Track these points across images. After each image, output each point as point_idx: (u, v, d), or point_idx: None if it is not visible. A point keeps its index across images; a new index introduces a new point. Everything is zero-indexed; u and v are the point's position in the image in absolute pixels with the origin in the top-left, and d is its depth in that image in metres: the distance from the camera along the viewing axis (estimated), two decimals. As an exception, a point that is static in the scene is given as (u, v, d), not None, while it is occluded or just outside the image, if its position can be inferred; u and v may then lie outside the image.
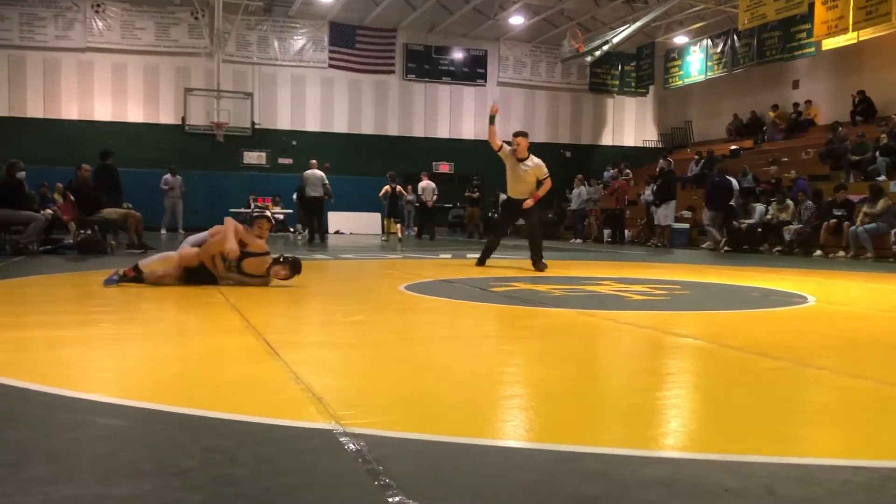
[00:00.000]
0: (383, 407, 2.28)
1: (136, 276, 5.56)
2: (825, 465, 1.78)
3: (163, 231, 18.53)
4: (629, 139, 28.07)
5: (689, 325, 4.44)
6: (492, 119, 8.47)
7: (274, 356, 3.00)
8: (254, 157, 23.71)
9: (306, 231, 17.26)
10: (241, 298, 4.99)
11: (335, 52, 24.22)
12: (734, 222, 14.92)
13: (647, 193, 17.69)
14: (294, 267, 5.72)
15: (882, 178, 14.77)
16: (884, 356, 3.44)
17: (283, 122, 24.10)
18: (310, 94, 24.29)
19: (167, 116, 22.96)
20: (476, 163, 25.24)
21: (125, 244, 11.14)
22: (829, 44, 19.37)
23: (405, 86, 25.33)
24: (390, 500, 1.51)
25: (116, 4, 22.18)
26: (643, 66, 26.62)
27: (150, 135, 22.50)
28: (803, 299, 5.72)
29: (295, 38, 23.89)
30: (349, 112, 24.73)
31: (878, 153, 15.61)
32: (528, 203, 8.27)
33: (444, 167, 25.54)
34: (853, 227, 12.65)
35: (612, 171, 21.49)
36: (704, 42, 23.86)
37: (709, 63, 23.78)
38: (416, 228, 20.89)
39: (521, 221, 9.38)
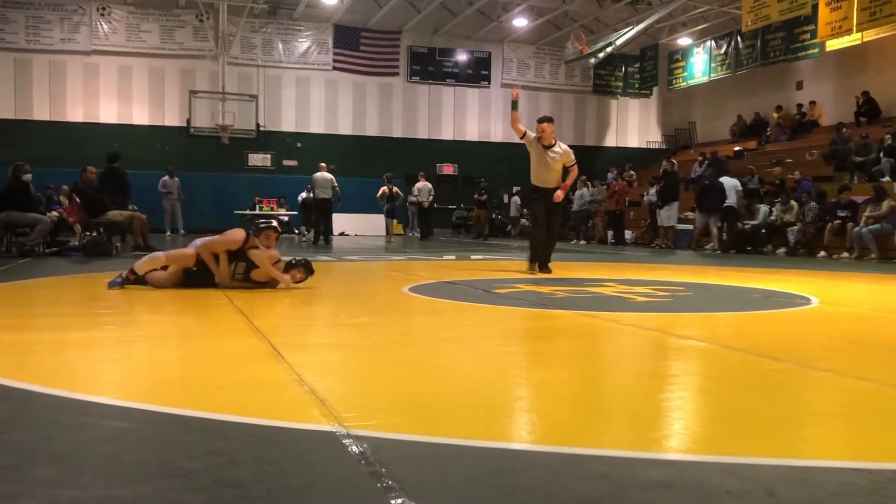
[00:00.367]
0: (386, 409, 2.29)
1: (138, 279, 5.58)
2: (827, 468, 1.78)
3: (168, 233, 18.58)
4: (633, 140, 28.05)
5: (692, 326, 4.44)
6: (514, 105, 8.07)
7: (278, 358, 3.01)
8: (259, 159, 23.76)
9: (311, 233, 17.31)
10: (245, 300, 5.00)
11: (339, 54, 24.26)
12: (738, 223, 14.89)
13: (651, 194, 17.68)
14: (308, 269, 5.81)
15: (886, 179, 14.73)
16: (887, 358, 3.43)
17: (288, 125, 24.15)
18: (314, 97, 24.34)
19: (172, 119, 23.02)
20: (480, 164, 25.33)
21: (131, 246, 11.17)
22: (833, 45, 19.34)
23: (409, 88, 25.36)
24: (393, 502, 1.51)
25: (122, 7, 22.26)
26: (647, 68, 26.62)
27: (155, 137, 22.57)
28: (806, 301, 5.71)
29: (299, 40, 23.94)
30: (353, 114, 24.77)
31: (882, 154, 15.57)
32: (559, 196, 7.80)
33: (448, 169, 25.58)
34: (857, 229, 12.62)
35: (613, 172, 21.47)
36: (708, 43, 23.84)
37: (712, 64, 23.75)
38: (420, 229, 20.97)
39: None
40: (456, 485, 1.64)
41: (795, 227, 13.86)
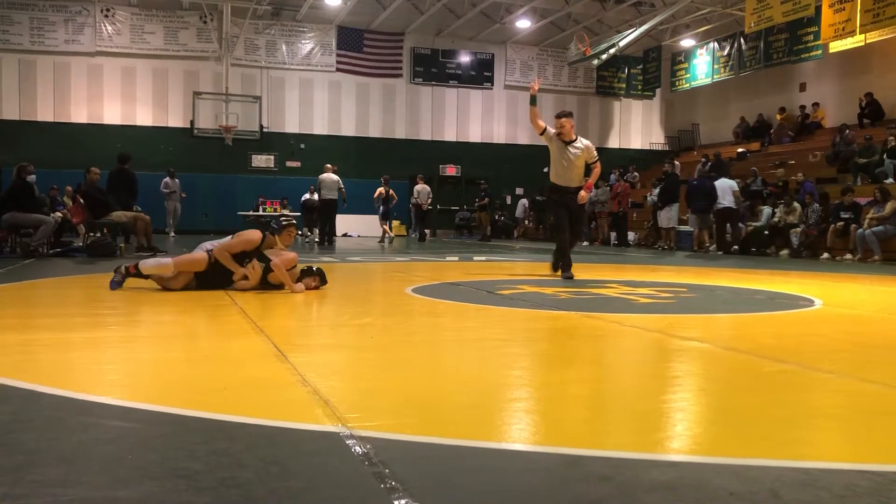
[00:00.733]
0: (390, 410, 2.29)
1: (138, 273, 5.57)
2: (830, 469, 1.78)
3: (172, 234, 18.61)
4: (636, 142, 28.04)
5: (695, 328, 4.43)
6: (533, 99, 7.58)
7: (281, 359, 3.01)
8: (262, 161, 23.80)
9: (314, 233, 17.35)
10: (249, 301, 5.02)
11: (343, 55, 24.30)
12: (740, 224, 14.87)
13: (653, 196, 17.69)
14: (322, 278, 5.93)
15: (889, 180, 14.71)
16: (890, 360, 3.43)
17: (291, 126, 24.18)
18: (318, 98, 24.37)
19: (176, 120, 23.07)
20: (483, 166, 25.34)
21: (135, 246, 11.19)
22: (836, 46, 19.33)
23: (412, 89, 25.38)
24: (396, 502, 1.52)
25: (126, 9, 22.31)
26: (650, 69, 26.62)
27: (158, 138, 22.61)
28: (810, 302, 5.70)
29: (303, 42, 23.98)
30: (357, 115, 24.80)
31: (885, 156, 15.55)
32: (583, 196, 7.35)
33: (450, 170, 25.60)
34: (860, 230, 12.60)
35: (616, 173, 21.47)
36: (711, 45, 23.83)
37: (715, 66, 23.74)
38: (425, 231, 21.00)
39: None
40: (459, 486, 1.65)
41: (799, 229, 13.83)
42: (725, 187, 14.73)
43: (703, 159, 20.12)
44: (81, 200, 11.13)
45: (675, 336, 3.98)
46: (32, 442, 1.90)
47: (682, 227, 16.82)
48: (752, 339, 3.89)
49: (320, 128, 24.46)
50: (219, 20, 22.67)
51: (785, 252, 13.99)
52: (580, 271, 7.83)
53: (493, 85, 26.11)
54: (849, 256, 12.86)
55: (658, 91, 27.39)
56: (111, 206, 11.01)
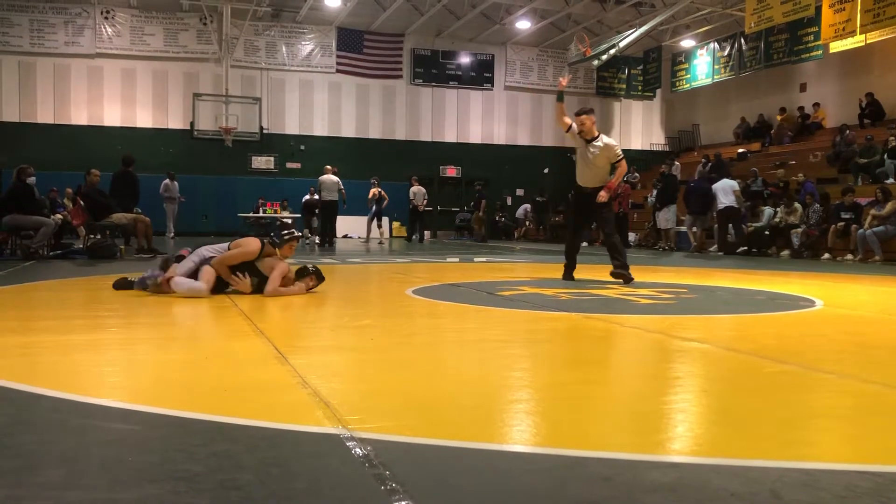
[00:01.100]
0: (390, 411, 2.29)
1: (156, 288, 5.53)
2: (831, 470, 1.78)
3: (171, 236, 18.62)
4: (636, 143, 28.03)
5: (696, 328, 4.43)
6: (560, 96, 7.20)
7: (282, 360, 3.01)
8: (262, 162, 23.80)
9: (314, 234, 17.36)
10: (249, 303, 5.02)
11: (343, 57, 24.30)
12: (742, 225, 14.86)
13: (653, 196, 17.70)
14: (319, 277, 5.91)
15: (890, 180, 14.71)
16: (891, 360, 3.43)
17: (292, 127, 24.18)
18: (318, 99, 24.37)
19: (176, 122, 23.08)
20: (483, 167, 25.33)
21: (135, 249, 11.20)
22: (837, 46, 19.32)
23: (412, 90, 25.39)
24: (396, 504, 1.52)
25: (125, 11, 22.32)
26: (650, 70, 26.62)
27: (158, 140, 22.62)
28: (811, 303, 5.70)
29: (303, 43, 23.98)
30: (357, 117, 24.80)
31: (885, 156, 15.56)
32: (603, 196, 6.96)
33: (451, 171, 25.59)
34: (861, 230, 12.60)
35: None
36: (711, 45, 23.83)
37: (716, 66, 23.74)
38: (421, 233, 21.01)
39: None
40: (459, 487, 1.64)
41: (799, 230, 13.84)
42: (726, 187, 14.74)
43: (704, 160, 20.13)
44: (81, 202, 11.14)
45: (675, 337, 3.97)
46: (33, 444, 1.90)
47: (681, 228, 16.84)
48: (753, 340, 3.89)
49: (320, 129, 24.47)
50: (218, 22, 22.67)
51: (786, 252, 13.99)
52: (580, 272, 7.83)
53: (493, 86, 26.12)
54: (850, 257, 12.86)
55: (658, 91, 27.40)
56: (111, 208, 11.01)
